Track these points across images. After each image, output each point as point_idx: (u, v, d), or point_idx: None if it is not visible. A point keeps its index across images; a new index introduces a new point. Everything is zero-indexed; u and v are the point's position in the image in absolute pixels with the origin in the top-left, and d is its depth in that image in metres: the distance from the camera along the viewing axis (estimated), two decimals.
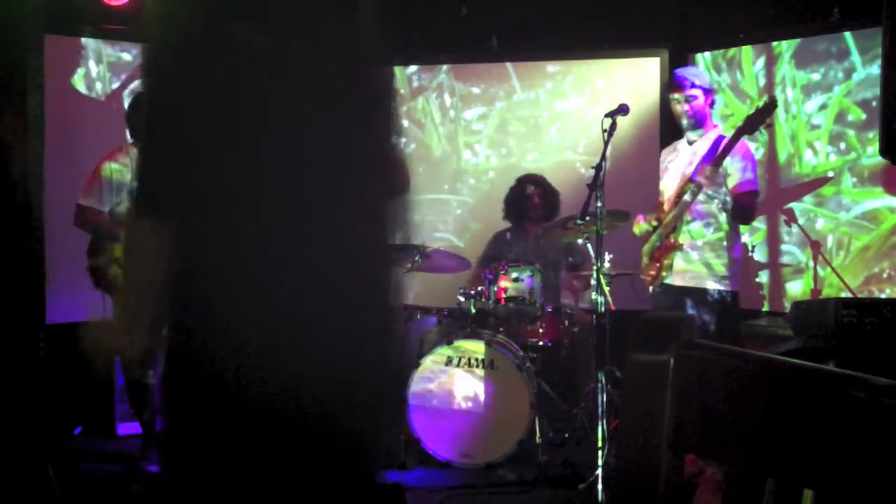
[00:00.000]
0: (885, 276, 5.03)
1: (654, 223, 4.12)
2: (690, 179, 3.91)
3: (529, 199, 5.22)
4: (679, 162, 4.10)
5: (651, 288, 4.14)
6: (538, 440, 4.27)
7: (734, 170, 3.92)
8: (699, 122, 4.04)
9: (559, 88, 6.06)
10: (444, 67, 6.15)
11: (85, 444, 4.77)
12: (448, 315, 4.72)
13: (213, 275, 1.43)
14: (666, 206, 4.07)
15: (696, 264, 3.98)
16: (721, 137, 3.97)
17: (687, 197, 3.89)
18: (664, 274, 4.01)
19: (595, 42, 5.85)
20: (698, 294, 3.96)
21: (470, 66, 6.13)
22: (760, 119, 3.75)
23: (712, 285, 3.95)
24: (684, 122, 4.06)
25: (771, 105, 3.75)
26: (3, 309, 4.67)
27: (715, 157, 3.81)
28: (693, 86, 3.99)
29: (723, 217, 3.95)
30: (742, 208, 3.93)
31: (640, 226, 4.20)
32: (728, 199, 3.86)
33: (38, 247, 4.93)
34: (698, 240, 3.98)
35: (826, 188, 5.21)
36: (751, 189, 3.95)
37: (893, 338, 1.89)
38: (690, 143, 4.08)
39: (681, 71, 4.17)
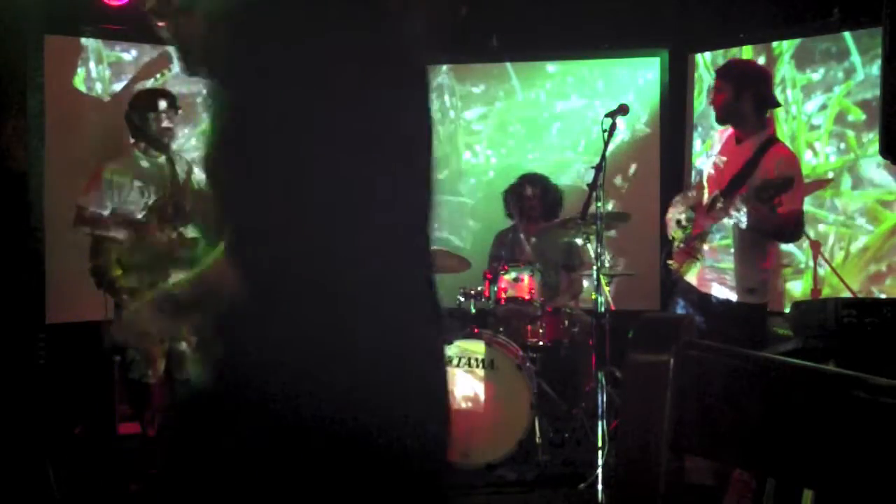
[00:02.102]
0: (885, 276, 5.03)
1: (689, 213, 3.77)
2: (721, 193, 3.60)
3: (528, 199, 5.20)
4: (724, 160, 3.74)
5: (672, 278, 3.86)
6: (538, 440, 4.27)
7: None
8: (724, 118, 3.71)
9: (559, 88, 6.06)
10: (444, 67, 6.14)
11: (85, 444, 4.77)
12: (448, 315, 4.72)
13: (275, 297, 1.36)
14: (706, 196, 3.74)
15: (722, 273, 3.67)
16: (770, 142, 3.62)
17: (715, 210, 3.60)
18: (685, 268, 3.74)
19: (595, 42, 5.85)
20: (722, 304, 3.66)
21: (470, 66, 6.13)
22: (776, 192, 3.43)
23: (737, 297, 3.63)
24: (713, 114, 3.77)
25: (788, 182, 3.40)
26: (3, 309, 4.67)
27: (741, 185, 3.52)
28: (719, 77, 3.71)
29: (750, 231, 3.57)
30: (783, 231, 3.60)
31: (678, 222, 3.81)
32: (743, 219, 3.47)
33: (38, 247, 4.93)
34: (725, 248, 3.68)
35: (826, 188, 5.21)
36: (794, 209, 3.54)
37: (893, 338, 1.89)
38: (738, 141, 3.70)
39: (728, 61, 3.85)
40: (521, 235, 5.22)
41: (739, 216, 3.46)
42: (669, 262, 3.83)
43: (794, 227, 3.59)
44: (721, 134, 3.85)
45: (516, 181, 5.32)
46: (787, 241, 3.83)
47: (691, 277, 3.74)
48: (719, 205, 3.56)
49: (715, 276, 3.69)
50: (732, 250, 3.64)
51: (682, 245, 3.77)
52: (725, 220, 3.58)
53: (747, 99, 3.62)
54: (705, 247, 3.70)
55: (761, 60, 5.48)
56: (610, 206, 5.33)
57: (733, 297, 3.63)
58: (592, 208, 3.98)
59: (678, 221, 3.81)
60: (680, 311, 3.76)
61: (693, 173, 5.76)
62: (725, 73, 3.74)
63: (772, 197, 3.40)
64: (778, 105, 3.85)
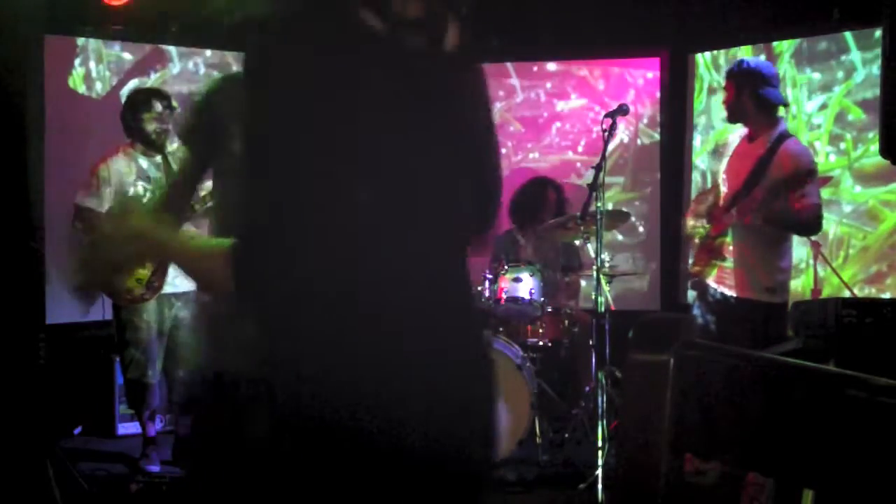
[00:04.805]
0: (885, 275, 5.03)
1: (705, 216, 3.79)
2: (737, 193, 3.59)
3: (547, 201, 5.15)
4: (738, 159, 3.74)
5: (691, 281, 3.87)
6: (538, 440, 4.27)
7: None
8: (730, 117, 3.74)
9: (559, 88, 6.06)
10: None
11: (85, 444, 4.77)
12: None
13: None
14: (722, 201, 3.74)
15: (743, 273, 3.62)
16: (782, 139, 3.59)
17: (732, 213, 3.60)
18: (707, 270, 3.71)
19: (595, 42, 5.85)
20: (742, 305, 3.61)
21: None
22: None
23: (757, 297, 3.59)
24: (712, 114, 3.86)
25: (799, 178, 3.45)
26: (3, 309, 4.67)
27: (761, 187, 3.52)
28: (725, 76, 3.73)
29: (770, 227, 3.57)
30: (803, 224, 3.62)
31: (694, 226, 3.84)
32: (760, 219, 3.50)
33: (38, 247, 4.93)
34: (745, 248, 3.63)
35: (826, 188, 5.21)
36: (812, 203, 3.53)
37: (893, 338, 1.89)
38: (751, 139, 3.69)
39: (737, 60, 3.84)
40: (520, 236, 5.22)
41: (756, 216, 3.47)
42: (692, 268, 3.82)
43: (813, 220, 3.59)
44: (737, 134, 3.84)
45: (534, 185, 5.22)
46: (808, 233, 3.82)
47: (711, 279, 3.70)
48: (734, 211, 3.56)
49: (734, 276, 3.64)
50: (750, 250, 3.61)
51: (700, 246, 3.76)
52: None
53: (747, 98, 3.62)
54: (727, 246, 3.66)
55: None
56: (609, 206, 5.32)
57: (753, 296, 3.59)
58: (592, 208, 3.99)
59: (694, 225, 3.83)
60: (697, 312, 3.72)
61: (693, 172, 5.76)
62: (729, 73, 3.74)
63: (785, 192, 3.43)
64: (784, 104, 3.82)
